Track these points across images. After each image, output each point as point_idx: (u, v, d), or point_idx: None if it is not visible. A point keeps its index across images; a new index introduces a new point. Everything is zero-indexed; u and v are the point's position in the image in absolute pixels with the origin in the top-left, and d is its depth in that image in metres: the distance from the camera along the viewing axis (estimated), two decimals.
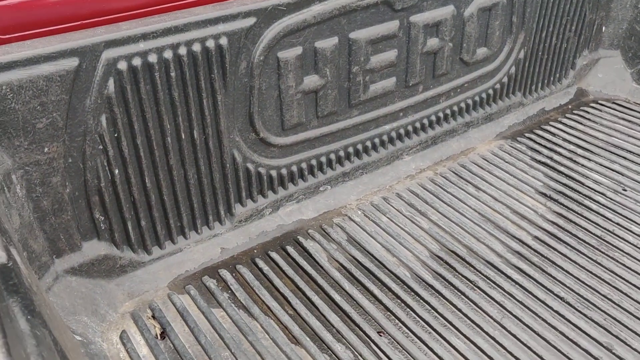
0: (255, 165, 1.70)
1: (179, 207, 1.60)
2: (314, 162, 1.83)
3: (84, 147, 1.36)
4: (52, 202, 1.37)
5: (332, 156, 1.87)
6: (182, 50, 1.40)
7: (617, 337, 1.42)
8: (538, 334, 1.43)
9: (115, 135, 1.39)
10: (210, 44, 1.43)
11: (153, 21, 1.38)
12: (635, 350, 1.38)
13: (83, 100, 1.31)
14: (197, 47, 1.42)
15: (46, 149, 1.30)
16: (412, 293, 1.55)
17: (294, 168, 1.79)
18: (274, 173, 1.75)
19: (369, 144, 1.95)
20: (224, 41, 1.45)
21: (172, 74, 1.40)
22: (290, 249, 1.70)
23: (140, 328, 1.45)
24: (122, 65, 1.33)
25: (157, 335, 1.45)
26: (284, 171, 1.77)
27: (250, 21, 1.49)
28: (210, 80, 1.48)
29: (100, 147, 1.38)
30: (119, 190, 1.46)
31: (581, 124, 2.30)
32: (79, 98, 1.31)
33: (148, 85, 1.39)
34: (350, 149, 1.91)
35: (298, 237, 1.74)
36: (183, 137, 1.50)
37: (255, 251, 1.70)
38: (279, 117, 1.67)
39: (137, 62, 1.35)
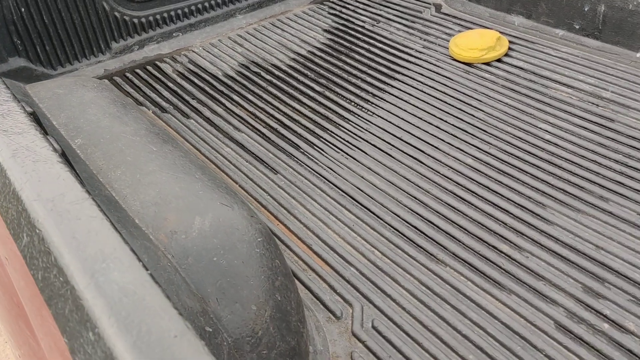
0: (121, 14, 2.61)
1: (71, 39, 2.51)
2: (166, 15, 2.75)
3: None
4: None
5: (180, 12, 2.79)
6: None
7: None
8: (303, 103, 2.41)
9: None
10: None
11: None
12: (372, 110, 2.38)
13: None
14: None
15: None
16: (222, 83, 2.51)
17: (151, 18, 2.71)
18: (136, 21, 2.67)
19: (207, 4, 2.87)
20: None
21: None
22: (149, 67, 2.64)
23: None
24: None
25: None
26: (143, 20, 2.69)
27: None
28: None
29: None
30: (27, 24, 2.36)
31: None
32: None
33: None
34: (193, 7, 2.83)
35: (156, 62, 2.68)
36: None
37: (126, 70, 2.63)
38: None
39: None
